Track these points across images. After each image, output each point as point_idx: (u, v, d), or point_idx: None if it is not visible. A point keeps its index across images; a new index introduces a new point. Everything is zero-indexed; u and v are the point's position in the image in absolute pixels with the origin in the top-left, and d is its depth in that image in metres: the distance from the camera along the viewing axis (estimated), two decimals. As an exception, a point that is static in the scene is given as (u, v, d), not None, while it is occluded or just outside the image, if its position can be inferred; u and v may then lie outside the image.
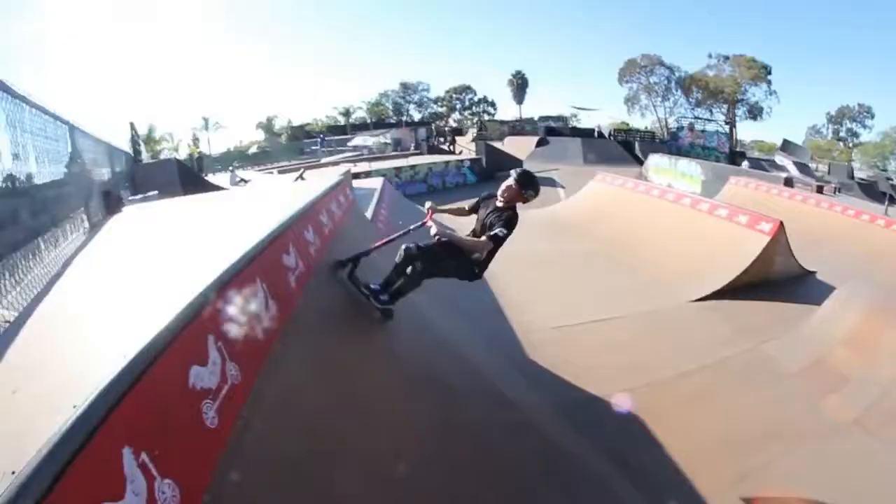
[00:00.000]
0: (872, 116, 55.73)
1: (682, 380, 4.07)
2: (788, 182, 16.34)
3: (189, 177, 14.76)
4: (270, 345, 2.00)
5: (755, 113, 52.47)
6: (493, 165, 21.32)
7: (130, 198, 8.29)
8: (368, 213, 5.88)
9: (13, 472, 0.84)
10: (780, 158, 37.55)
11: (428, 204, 3.56)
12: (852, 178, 34.00)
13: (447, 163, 20.61)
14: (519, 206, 3.39)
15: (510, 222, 3.19)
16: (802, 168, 34.38)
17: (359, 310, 3.12)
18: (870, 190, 29.07)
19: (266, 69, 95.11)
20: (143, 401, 1.18)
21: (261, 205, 5.31)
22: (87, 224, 4.93)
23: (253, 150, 46.97)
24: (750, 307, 5.63)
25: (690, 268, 6.55)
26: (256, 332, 1.93)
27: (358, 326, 3.07)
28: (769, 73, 51.34)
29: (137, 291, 2.31)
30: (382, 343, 3.20)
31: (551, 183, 19.92)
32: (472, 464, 2.67)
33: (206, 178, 18.13)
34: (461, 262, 3.29)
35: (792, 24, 77.25)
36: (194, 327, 1.54)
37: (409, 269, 3.11)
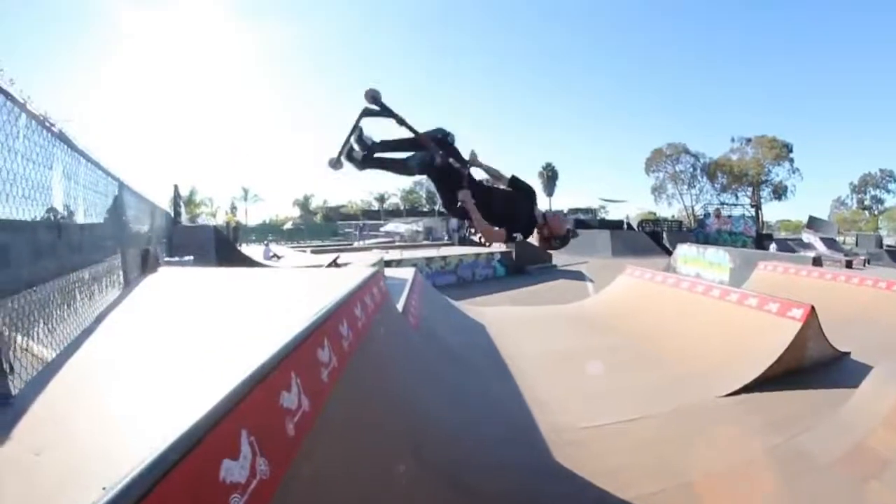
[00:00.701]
0: (895, 180, 55.22)
1: (713, 480, 3.94)
2: (817, 261, 16.05)
3: (224, 245, 15.47)
4: (301, 440, 2.08)
5: (780, 193, 52.95)
6: (522, 259, 21.65)
7: (167, 259, 8.66)
8: (400, 305, 6.04)
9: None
10: (806, 236, 37.16)
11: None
12: (881, 246, 33.40)
13: (478, 255, 20.89)
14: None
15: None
16: (830, 243, 33.88)
17: (389, 409, 3.20)
18: None
19: (305, 145, 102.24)
20: (172, 491, 1.22)
21: (296, 290, 5.44)
22: (122, 280, 5.15)
23: (288, 225, 48.61)
24: (783, 398, 5.47)
25: (721, 361, 6.43)
26: (288, 428, 2.03)
27: (388, 424, 3.14)
28: (791, 151, 52.42)
29: (168, 363, 2.45)
30: (411, 442, 3.24)
31: (580, 277, 20.13)
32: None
33: (240, 248, 18.83)
34: None
35: (808, 100, 79.49)
36: (230, 421, 1.61)
37: None
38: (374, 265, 8.20)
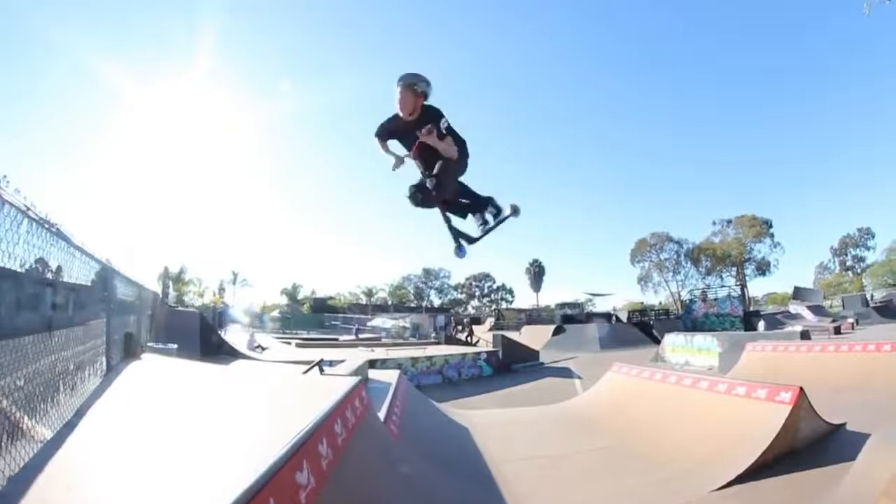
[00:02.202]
0: (873, 236, 57.72)
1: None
2: (805, 335, 16.25)
3: (209, 333, 15.30)
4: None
5: (763, 268, 54.31)
6: (508, 357, 21.54)
7: (150, 344, 8.47)
8: (382, 413, 6.01)
9: None
10: (794, 307, 37.70)
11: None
12: (867, 304, 33.79)
13: (464, 355, 20.75)
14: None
15: (437, 111, 3.43)
16: (817, 310, 34.38)
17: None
18: (886, 311, 28.66)
19: (296, 234, 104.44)
20: None
21: (278, 398, 5.36)
22: (104, 366, 5.05)
23: (275, 313, 47.83)
24: (778, 484, 5.33)
25: (712, 453, 6.32)
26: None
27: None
28: (770, 226, 54.37)
29: (149, 470, 2.49)
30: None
31: (568, 374, 19.85)
32: None
33: (224, 335, 18.46)
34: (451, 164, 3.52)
35: (780, 170, 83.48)
36: None
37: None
38: (356, 372, 8.19)
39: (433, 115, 3.44)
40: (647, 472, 6.27)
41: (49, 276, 3.78)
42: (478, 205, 3.97)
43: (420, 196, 3.74)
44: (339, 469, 3.42)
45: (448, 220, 4.04)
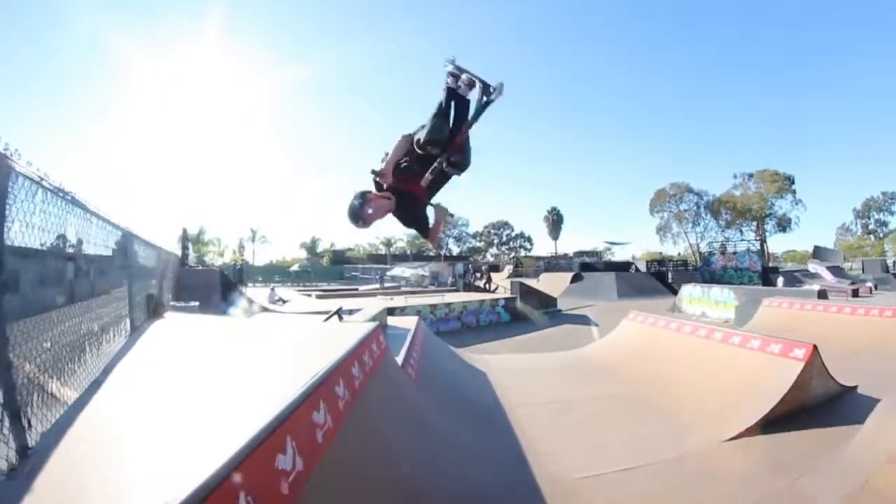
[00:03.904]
0: None
1: (714, 527, 3.91)
2: (822, 294, 16.02)
3: (229, 289, 15.65)
4: (295, 498, 2.22)
5: (784, 225, 53.19)
6: (527, 304, 21.71)
7: (173, 303, 8.75)
8: (400, 358, 6.15)
9: None
10: (813, 266, 37.10)
11: None
12: (887, 270, 33.20)
13: (482, 301, 20.91)
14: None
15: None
16: (836, 271, 33.82)
17: (383, 464, 3.27)
18: None
19: (314, 188, 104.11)
20: None
21: (296, 346, 5.53)
22: (129, 327, 5.28)
23: (294, 267, 48.65)
24: (787, 439, 5.42)
25: (724, 405, 6.41)
26: (282, 488, 2.18)
27: (380, 476, 3.23)
28: (793, 183, 52.90)
29: (173, 419, 2.65)
30: (404, 491, 3.31)
31: (585, 321, 19.97)
32: None
33: (245, 290, 18.92)
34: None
35: (806, 128, 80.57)
36: (229, 483, 1.80)
37: None
38: (374, 318, 8.33)
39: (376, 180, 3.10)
40: (660, 420, 6.40)
41: (70, 250, 3.85)
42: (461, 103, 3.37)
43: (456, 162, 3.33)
44: (356, 410, 3.54)
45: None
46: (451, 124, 3.33)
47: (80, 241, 3.93)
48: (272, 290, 21.73)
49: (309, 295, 25.07)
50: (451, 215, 3.47)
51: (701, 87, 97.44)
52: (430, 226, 3.40)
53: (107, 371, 3.79)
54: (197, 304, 9.62)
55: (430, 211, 3.42)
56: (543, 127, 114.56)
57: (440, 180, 3.33)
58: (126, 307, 5.36)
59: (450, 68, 3.34)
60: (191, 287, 11.84)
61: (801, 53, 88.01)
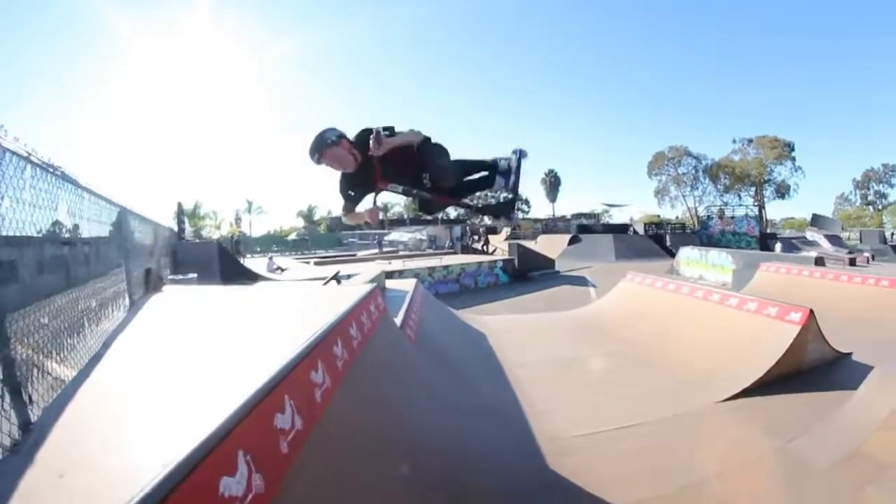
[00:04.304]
0: None
1: (708, 485, 3.97)
2: (819, 261, 16.04)
3: (228, 260, 15.69)
4: (294, 456, 2.22)
5: (783, 191, 53.03)
6: (524, 265, 21.79)
7: (171, 277, 8.80)
8: (398, 319, 6.15)
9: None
10: (811, 234, 37.17)
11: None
12: (885, 242, 33.32)
13: (480, 263, 20.97)
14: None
15: (366, 131, 2.90)
16: (834, 240, 33.93)
17: (383, 423, 3.29)
18: None
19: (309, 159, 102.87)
20: None
21: (294, 309, 5.58)
22: (127, 302, 5.31)
23: (292, 236, 48.69)
24: (781, 402, 5.49)
25: (719, 366, 6.47)
26: (281, 446, 2.17)
27: (379, 435, 3.25)
28: (792, 149, 52.55)
29: (173, 386, 2.66)
30: (402, 449, 3.34)
31: (583, 282, 20.12)
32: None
33: (243, 260, 19.01)
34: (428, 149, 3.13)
35: (808, 97, 79.47)
36: (228, 443, 1.79)
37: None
38: (372, 281, 8.31)
39: (366, 136, 2.88)
40: (657, 380, 6.49)
41: (66, 234, 3.82)
42: (485, 178, 3.41)
43: (430, 203, 3.38)
44: (355, 370, 3.54)
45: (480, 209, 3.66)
46: (460, 180, 3.31)
47: (75, 226, 3.92)
48: (270, 259, 21.72)
49: (307, 262, 25.12)
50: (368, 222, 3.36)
51: (701, 52, 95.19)
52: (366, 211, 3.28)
53: (106, 345, 3.79)
54: (195, 276, 9.59)
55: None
56: (542, 88, 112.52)
57: (405, 189, 3.25)
58: (124, 283, 5.35)
59: (513, 159, 3.32)
60: (189, 261, 11.78)
61: (806, 20, 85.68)
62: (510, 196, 3.45)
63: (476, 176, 3.42)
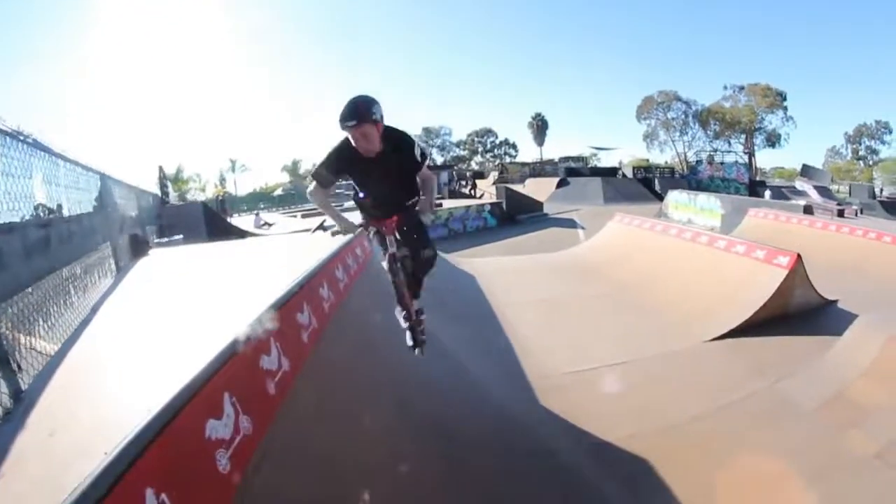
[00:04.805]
0: (890, 132, 55.26)
1: (695, 423, 4.04)
2: (808, 209, 16.08)
3: (214, 219, 15.45)
4: (282, 398, 2.18)
5: (773, 140, 52.60)
6: (513, 209, 21.63)
7: (157, 240, 8.71)
8: (385, 262, 6.06)
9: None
10: (800, 184, 37.16)
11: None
12: (874, 197, 33.51)
13: (468, 207, 20.74)
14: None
15: (407, 139, 2.68)
16: (823, 192, 34.00)
17: (371, 363, 3.26)
18: (893, 208, 28.52)
19: (291, 112, 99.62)
20: (164, 450, 1.36)
21: (279, 258, 5.55)
22: (114, 267, 5.24)
23: (278, 192, 48.13)
24: (767, 343, 5.56)
25: (707, 307, 6.51)
26: (268, 388, 2.11)
27: (367, 377, 3.22)
28: (784, 99, 51.73)
29: (160, 342, 2.61)
30: (391, 391, 3.33)
31: (571, 224, 20.06)
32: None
33: (230, 219, 18.83)
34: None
35: (803, 48, 77.60)
36: (212, 385, 1.73)
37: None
38: (359, 226, 8.18)
39: (402, 143, 2.62)
40: (644, 319, 6.54)
41: (48, 214, 3.69)
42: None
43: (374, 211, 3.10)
44: (342, 312, 3.49)
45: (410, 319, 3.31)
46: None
47: (59, 207, 3.87)
48: (257, 215, 21.39)
49: (294, 216, 24.83)
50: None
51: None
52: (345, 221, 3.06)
53: (94, 310, 3.74)
54: (181, 237, 9.42)
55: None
56: (527, 30, 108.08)
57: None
58: (108, 248, 5.25)
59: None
60: (174, 224, 11.55)
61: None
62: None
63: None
